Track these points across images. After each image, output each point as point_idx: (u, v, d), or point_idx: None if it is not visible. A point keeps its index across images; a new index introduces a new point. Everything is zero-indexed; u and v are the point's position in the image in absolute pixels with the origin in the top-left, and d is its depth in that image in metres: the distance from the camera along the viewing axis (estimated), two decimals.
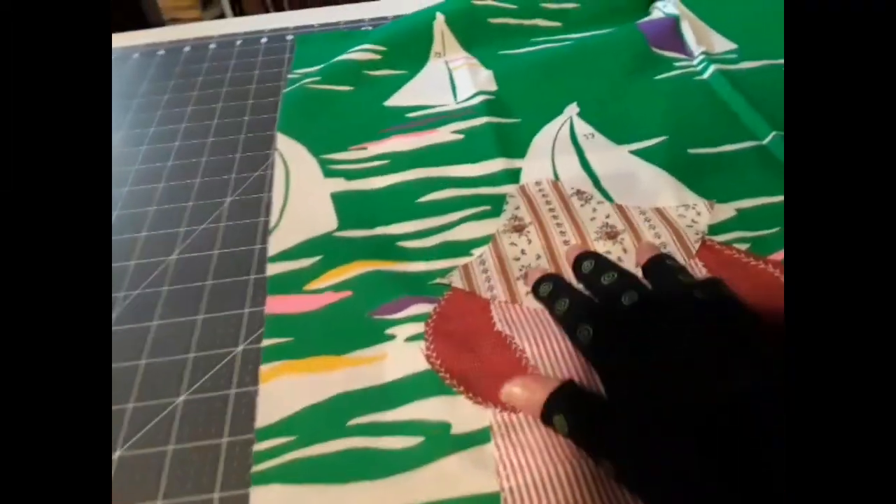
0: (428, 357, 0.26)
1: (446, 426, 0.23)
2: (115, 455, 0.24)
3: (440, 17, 0.47)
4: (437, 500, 0.21)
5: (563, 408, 0.22)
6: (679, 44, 0.44)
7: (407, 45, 0.46)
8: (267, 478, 0.22)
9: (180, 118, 0.42)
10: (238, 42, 0.51)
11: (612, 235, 0.31)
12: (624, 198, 0.33)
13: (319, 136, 0.39)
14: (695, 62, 0.43)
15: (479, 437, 0.23)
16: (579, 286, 0.28)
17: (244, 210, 0.34)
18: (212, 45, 0.51)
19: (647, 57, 0.43)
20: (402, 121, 0.40)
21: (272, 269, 0.30)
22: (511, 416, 0.23)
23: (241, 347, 0.27)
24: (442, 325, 0.27)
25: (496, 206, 0.33)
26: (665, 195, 0.33)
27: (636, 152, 0.36)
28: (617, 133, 0.37)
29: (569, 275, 0.29)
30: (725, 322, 0.22)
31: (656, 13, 0.48)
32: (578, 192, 0.33)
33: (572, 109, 0.40)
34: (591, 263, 0.27)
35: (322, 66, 0.45)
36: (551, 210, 0.32)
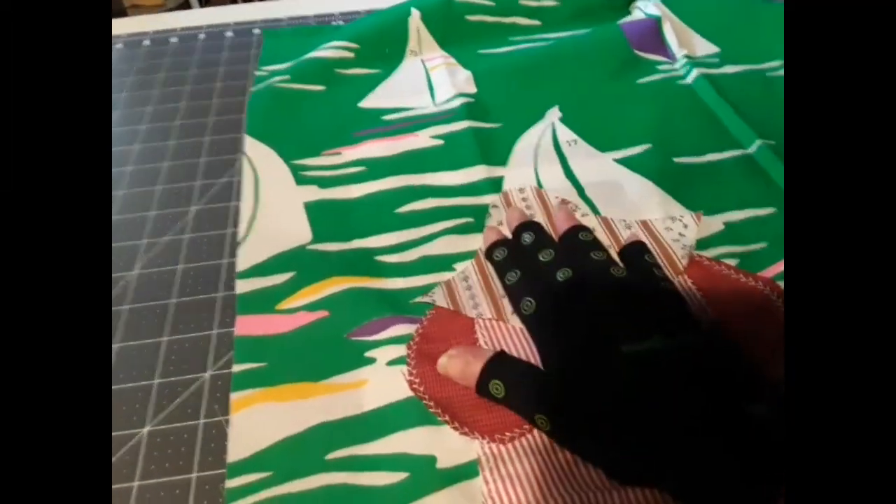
0: (411, 383, 0.24)
1: (432, 459, 0.22)
2: None
3: (416, 13, 0.45)
4: None
5: (498, 373, 0.23)
6: (661, 46, 0.43)
7: (381, 43, 0.45)
8: None
9: (139, 119, 0.40)
10: (201, 36, 0.48)
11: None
12: (609, 209, 0.32)
13: (290, 139, 0.37)
14: (677, 66, 0.42)
15: (466, 472, 0.22)
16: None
17: (210, 220, 0.32)
18: (173, 39, 0.48)
19: (629, 59, 0.42)
20: (377, 123, 0.39)
21: (241, 287, 0.29)
22: (500, 448, 0.22)
23: (209, 373, 0.25)
24: (425, 348, 0.26)
25: (478, 217, 0.32)
26: (651, 206, 0.32)
27: (621, 160, 0.35)
28: (600, 140, 0.36)
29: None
30: (637, 294, 0.26)
31: (636, 13, 0.47)
32: (563, 202, 0.32)
33: (554, 114, 0.39)
34: (530, 236, 0.29)
35: (292, 63, 0.43)
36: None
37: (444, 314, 0.27)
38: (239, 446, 0.23)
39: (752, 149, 0.35)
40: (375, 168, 0.35)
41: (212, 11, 0.52)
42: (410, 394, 0.24)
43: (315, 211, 0.33)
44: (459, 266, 0.29)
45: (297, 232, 0.31)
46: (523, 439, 0.23)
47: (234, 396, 0.24)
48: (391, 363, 0.25)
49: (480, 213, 0.32)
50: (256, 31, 0.49)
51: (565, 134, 0.37)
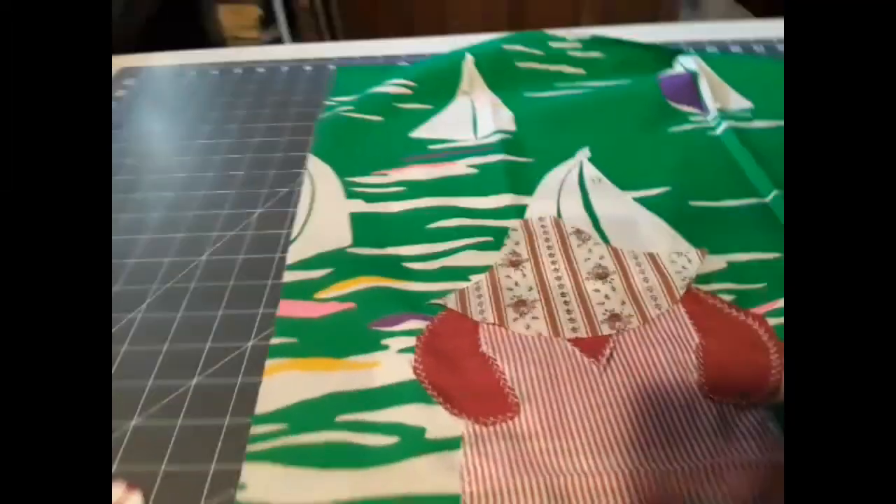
0: (415, 369, 0.28)
1: (422, 430, 0.26)
2: (132, 423, 0.27)
3: (470, 58, 0.51)
4: (405, 494, 0.23)
5: None
6: (696, 99, 0.46)
7: (436, 82, 0.50)
8: (258, 457, 0.25)
9: (224, 134, 0.47)
10: (284, 69, 0.56)
11: (601, 276, 0.33)
12: (620, 241, 0.35)
13: (347, 160, 0.43)
14: (709, 118, 0.45)
15: (450, 444, 0.25)
16: None
17: (271, 222, 0.38)
18: (260, 69, 0.56)
19: (663, 109, 0.45)
20: (423, 151, 0.44)
21: (288, 277, 0.34)
22: (482, 429, 0.26)
23: (251, 343, 0.30)
24: (432, 342, 0.29)
25: (498, 238, 0.36)
26: (660, 242, 0.34)
27: (639, 199, 0.38)
28: (623, 179, 0.40)
29: (555, 307, 0.31)
30: None
31: (678, 68, 0.50)
32: (577, 232, 0.36)
33: (584, 154, 0.42)
34: None
35: (357, 96, 0.49)
36: (549, 248, 0.35)
37: (454, 316, 0.31)
38: (265, 402, 0.27)
39: (768, 198, 0.37)
40: (415, 189, 0.40)
41: (295, 48, 0.60)
42: (413, 377, 0.28)
43: (358, 221, 0.37)
44: (474, 277, 0.33)
45: (340, 236, 0.36)
46: (503, 425, 0.26)
47: (269, 363, 0.29)
48: (401, 351, 0.29)
49: (501, 234, 0.36)
50: (331, 66, 0.56)
51: (591, 172, 0.41)
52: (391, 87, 0.49)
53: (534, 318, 0.31)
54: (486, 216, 0.37)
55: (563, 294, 0.32)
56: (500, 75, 0.51)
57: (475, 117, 0.47)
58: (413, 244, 0.36)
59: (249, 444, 0.26)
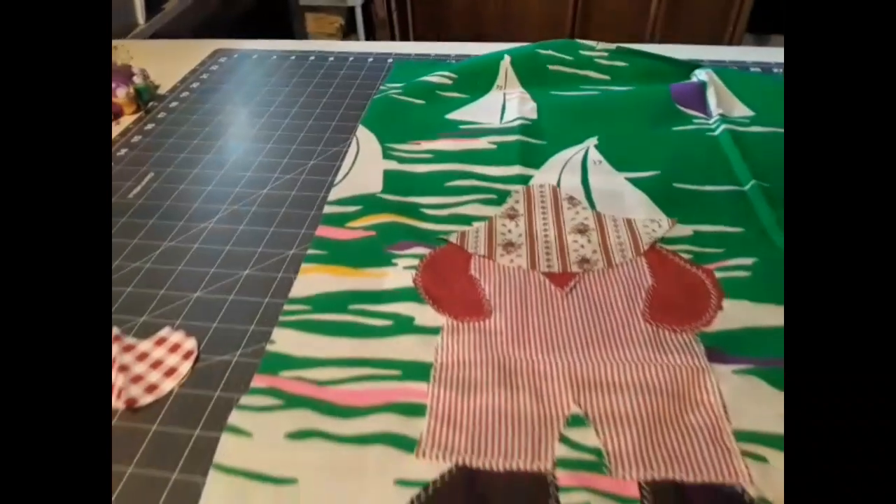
0: (414, 280, 0.35)
1: (412, 318, 0.33)
2: (195, 295, 0.35)
3: (507, 58, 0.58)
4: (391, 359, 0.31)
5: None
6: (702, 104, 0.52)
7: (476, 76, 0.58)
8: (286, 325, 0.33)
9: (293, 105, 0.56)
10: (350, 59, 0.65)
11: (581, 231, 0.39)
12: (605, 208, 0.41)
13: (389, 131, 0.51)
14: (711, 121, 0.50)
15: (432, 331, 0.32)
16: None
17: (320, 170, 0.46)
18: (331, 59, 0.65)
19: (670, 110, 0.51)
20: (454, 129, 0.51)
21: (327, 209, 0.42)
22: (459, 324, 0.32)
23: (292, 251, 0.38)
24: (431, 263, 0.37)
25: (502, 197, 0.42)
26: (639, 211, 0.40)
27: (631, 179, 0.44)
28: (621, 163, 0.46)
29: (537, 250, 0.37)
30: None
31: (693, 79, 0.55)
32: (570, 198, 0.42)
33: (592, 141, 0.48)
34: None
35: (407, 83, 0.58)
36: (543, 208, 0.41)
37: (453, 248, 0.38)
38: (297, 290, 0.35)
39: (747, 187, 0.42)
40: (441, 157, 0.47)
41: (361, 44, 0.70)
42: (412, 285, 0.35)
43: (389, 175, 0.45)
44: (476, 224, 0.40)
45: (373, 185, 0.44)
46: (476, 323, 0.32)
47: (303, 266, 0.37)
48: (406, 268, 0.36)
49: (505, 195, 0.43)
50: (390, 60, 0.65)
51: (595, 155, 0.47)
52: (436, 77, 0.57)
53: (518, 255, 0.37)
54: (496, 181, 0.44)
55: (546, 242, 0.38)
56: (532, 75, 0.58)
57: (504, 107, 0.54)
58: (431, 196, 0.43)
59: (281, 317, 0.33)
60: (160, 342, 0.32)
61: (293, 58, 0.66)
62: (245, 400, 0.29)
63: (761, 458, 0.25)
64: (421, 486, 0.25)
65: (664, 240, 0.38)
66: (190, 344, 0.32)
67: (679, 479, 0.25)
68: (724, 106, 0.51)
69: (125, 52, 0.66)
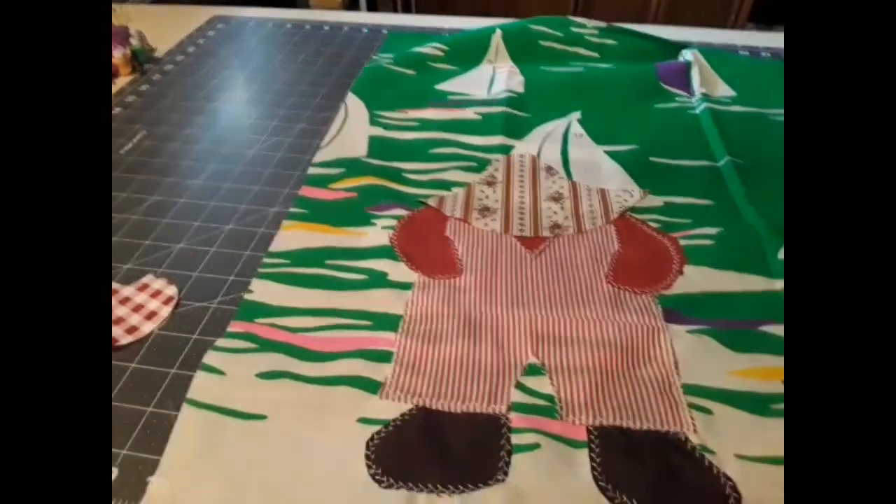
0: (391, 238, 0.37)
1: (385, 274, 0.34)
2: (178, 246, 0.37)
3: (499, 32, 0.59)
4: (364, 310, 0.32)
5: None
6: (685, 84, 0.52)
7: (467, 50, 0.58)
8: (265, 277, 0.34)
9: (286, 71, 0.57)
10: (345, 28, 0.66)
11: (556, 199, 0.40)
12: (581, 179, 0.42)
13: (378, 98, 0.52)
14: (693, 100, 0.51)
15: (404, 286, 0.33)
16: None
17: (308, 133, 0.47)
18: (326, 28, 0.66)
19: (654, 88, 0.52)
20: (442, 99, 0.52)
21: (311, 171, 0.43)
22: (430, 280, 0.34)
23: (275, 209, 0.40)
24: (409, 225, 0.38)
25: (482, 165, 0.43)
26: (614, 182, 0.41)
27: (609, 152, 0.45)
28: (601, 137, 0.46)
29: (511, 215, 0.38)
30: None
31: (679, 59, 0.56)
32: (548, 168, 0.43)
33: (575, 115, 0.49)
34: None
35: (398, 53, 0.58)
36: (521, 176, 0.42)
37: (431, 211, 0.39)
38: (277, 245, 0.36)
39: (721, 162, 0.43)
40: (426, 125, 0.48)
41: (359, 14, 0.70)
42: (388, 244, 0.36)
43: (375, 141, 0.46)
44: (455, 189, 0.41)
45: (358, 149, 0.45)
46: (448, 280, 0.34)
47: (285, 223, 0.38)
48: (384, 228, 0.37)
49: (486, 163, 0.44)
50: (385, 31, 0.65)
51: (576, 129, 0.48)
52: (428, 48, 0.58)
53: (492, 220, 0.38)
54: (478, 150, 0.45)
55: (521, 208, 0.39)
56: (523, 50, 0.58)
57: (493, 79, 0.55)
58: (414, 161, 0.44)
59: (260, 269, 0.35)
60: (143, 288, 0.34)
61: (289, 26, 0.66)
62: (221, 342, 0.30)
63: (706, 410, 0.27)
64: (382, 424, 0.26)
65: (635, 209, 0.39)
66: (171, 290, 0.34)
67: (626, 426, 0.26)
68: (706, 85, 0.52)
69: (125, 15, 0.66)
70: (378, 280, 0.34)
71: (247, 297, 0.33)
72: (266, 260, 0.35)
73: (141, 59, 0.58)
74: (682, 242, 0.36)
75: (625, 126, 0.48)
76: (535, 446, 0.25)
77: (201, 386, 0.28)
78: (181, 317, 0.32)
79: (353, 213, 0.39)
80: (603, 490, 0.24)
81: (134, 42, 0.58)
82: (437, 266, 0.35)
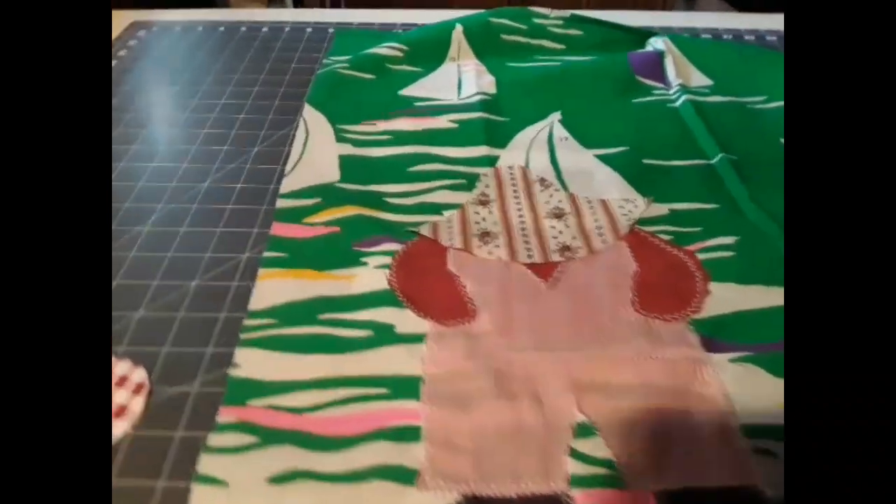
0: (389, 281, 0.32)
1: (392, 326, 0.30)
2: (137, 315, 0.31)
3: (459, 27, 0.55)
4: (376, 375, 0.28)
5: None
6: (660, 74, 0.51)
7: (427, 48, 0.54)
8: (250, 343, 0.29)
9: (228, 82, 0.50)
10: (287, 29, 0.59)
11: (558, 215, 0.37)
12: (578, 189, 0.39)
13: (339, 109, 0.46)
14: (671, 92, 0.49)
15: (415, 338, 0.29)
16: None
17: (267, 158, 0.42)
18: (264, 29, 0.59)
19: (630, 82, 0.50)
20: (410, 106, 0.47)
21: (281, 204, 0.37)
22: (444, 328, 0.30)
23: (246, 255, 0.34)
24: (405, 260, 0.34)
25: (471, 181, 0.40)
26: (612, 191, 0.39)
27: (600, 156, 0.42)
28: (587, 139, 0.44)
29: (515, 239, 0.35)
30: None
31: (648, 48, 0.54)
32: (541, 180, 0.40)
33: (555, 116, 0.46)
34: None
35: (352, 55, 0.53)
36: (515, 191, 0.39)
37: (426, 242, 0.35)
38: (257, 301, 0.31)
39: (714, 160, 0.41)
40: (400, 138, 0.44)
41: (297, 11, 0.64)
42: (387, 287, 0.32)
43: (346, 162, 0.41)
44: (447, 212, 0.37)
45: (330, 173, 0.40)
46: (463, 326, 0.30)
47: (261, 271, 0.33)
48: (378, 267, 0.33)
49: (473, 178, 0.40)
50: (331, 30, 0.59)
51: (560, 132, 0.45)
52: (384, 49, 0.53)
53: (496, 246, 0.35)
54: (462, 163, 0.41)
55: (522, 229, 0.36)
56: (486, 45, 0.55)
57: (460, 80, 0.51)
58: (395, 183, 0.40)
59: (242, 334, 0.30)
60: None
61: (222, 29, 0.59)
62: (214, 440, 0.25)
63: (771, 454, 0.25)
64: None
65: (642, 221, 0.37)
66: (139, 375, 0.28)
67: (695, 486, 0.24)
68: (682, 75, 0.50)
69: None
70: (385, 334, 0.30)
71: (233, 373, 0.28)
72: (247, 322, 0.30)
73: None
74: (700, 256, 0.34)
75: (608, 125, 0.45)
76: None
77: None
78: (157, 409, 0.27)
79: (338, 251, 0.34)
80: None
81: None
82: (448, 309, 0.31)
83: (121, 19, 0.60)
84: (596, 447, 0.25)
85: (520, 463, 0.24)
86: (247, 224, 0.36)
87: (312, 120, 0.45)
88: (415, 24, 0.60)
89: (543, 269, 0.33)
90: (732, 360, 0.28)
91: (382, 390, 0.27)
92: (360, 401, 0.27)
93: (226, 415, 0.26)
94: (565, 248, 0.35)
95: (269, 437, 0.25)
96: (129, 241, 0.35)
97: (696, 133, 0.44)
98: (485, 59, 0.54)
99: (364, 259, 0.34)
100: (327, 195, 0.38)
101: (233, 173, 0.40)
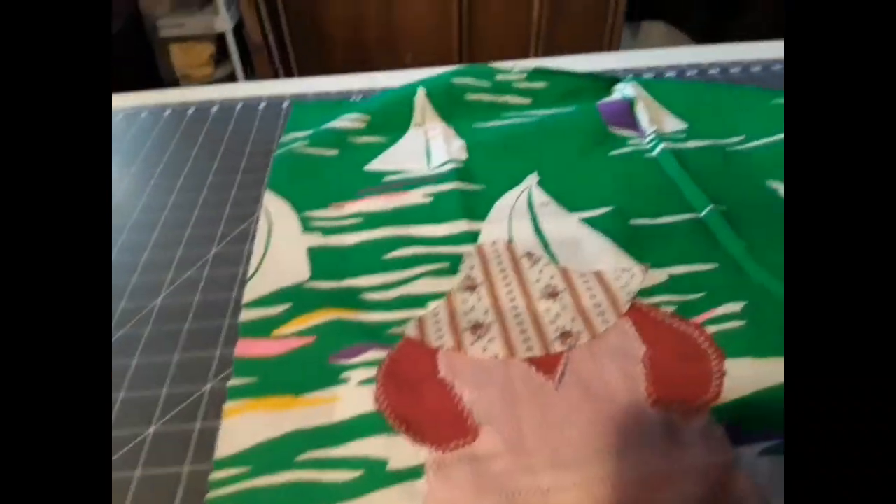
0: (376, 399, 0.29)
1: (384, 462, 0.26)
2: None
3: (422, 91, 0.52)
4: None
5: None
6: (633, 122, 0.49)
7: (390, 116, 0.51)
8: (221, 503, 0.25)
9: (179, 173, 0.47)
10: (238, 106, 0.56)
11: (552, 295, 0.34)
12: (569, 260, 0.36)
13: (303, 193, 0.43)
14: (646, 140, 0.47)
15: (412, 473, 0.25)
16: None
17: (227, 260, 0.38)
18: (214, 108, 0.56)
19: (603, 134, 0.48)
20: (378, 183, 0.44)
21: (245, 315, 0.34)
22: (444, 455, 0.26)
23: (209, 386, 0.30)
24: (392, 370, 0.30)
25: (454, 263, 0.37)
26: (605, 259, 0.36)
27: (585, 220, 0.40)
28: (569, 202, 0.41)
29: (510, 329, 0.32)
30: None
31: (616, 94, 0.53)
32: (528, 255, 0.37)
33: (532, 179, 0.44)
34: None
35: (312, 131, 0.50)
36: (502, 271, 0.36)
37: (413, 344, 0.31)
38: (226, 446, 0.27)
39: (703, 213, 0.39)
40: (371, 220, 0.41)
41: (248, 85, 0.61)
42: (374, 409, 0.28)
43: (316, 254, 0.38)
44: (432, 304, 0.34)
45: (298, 271, 0.36)
46: (465, 449, 0.26)
47: (227, 405, 0.29)
48: (362, 383, 0.29)
49: (456, 260, 0.37)
50: (285, 103, 0.56)
51: (540, 196, 0.42)
52: (345, 121, 0.50)
53: (490, 340, 0.31)
54: (442, 243, 0.38)
55: (516, 315, 0.33)
56: (451, 107, 0.52)
57: (428, 148, 0.48)
58: (371, 274, 0.36)
59: (210, 491, 0.25)
60: None
61: (168, 112, 0.56)
62: None
63: None
64: None
65: (641, 292, 0.34)
66: None
67: None
68: (656, 121, 0.48)
69: None
70: (377, 473, 0.26)
71: None
72: (215, 475, 0.26)
73: None
74: (710, 329, 0.31)
75: (588, 183, 0.43)
76: None
77: None
78: None
79: (314, 368, 0.30)
80: None
81: None
82: (446, 428, 0.27)
83: None
84: None
85: None
86: (208, 345, 0.32)
87: (275, 208, 0.42)
88: (374, 90, 0.58)
89: (546, 363, 0.30)
90: (761, 454, 0.25)
91: None
92: None
93: None
94: (566, 335, 0.32)
95: None
96: None
97: (681, 184, 0.42)
98: (452, 122, 0.51)
99: (345, 374, 0.30)
100: (297, 299, 0.34)
101: (189, 284, 0.36)
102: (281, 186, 0.44)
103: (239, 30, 1.46)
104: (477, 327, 0.32)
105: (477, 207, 0.41)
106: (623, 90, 0.52)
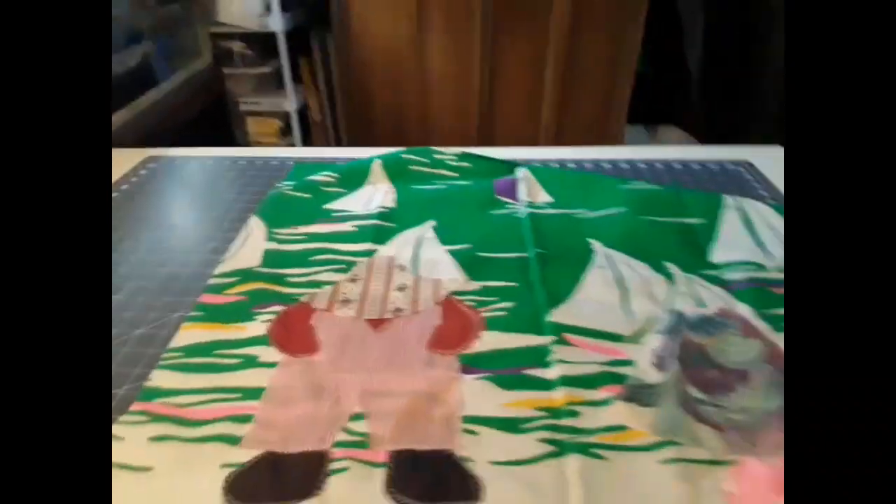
0: (268, 330, 0.48)
1: (257, 357, 0.45)
2: None
3: (378, 161, 0.74)
4: (237, 386, 0.42)
5: None
6: (514, 194, 0.68)
7: (353, 176, 0.73)
8: (163, 367, 0.44)
9: (211, 207, 0.70)
10: (258, 162, 0.80)
11: (401, 289, 0.52)
12: (426, 273, 0.55)
13: (276, 219, 0.64)
14: (519, 206, 0.66)
15: (270, 365, 0.44)
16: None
17: (219, 251, 0.59)
18: (241, 162, 0.80)
19: (491, 200, 0.67)
20: (328, 217, 0.65)
21: (211, 281, 0.54)
22: (291, 358, 0.44)
23: (177, 315, 0.50)
24: (283, 317, 0.49)
25: (349, 266, 0.56)
26: (446, 273, 0.54)
27: (450, 251, 0.58)
28: (446, 239, 0.60)
29: (366, 304, 0.50)
30: None
31: (512, 175, 0.72)
32: (400, 266, 0.56)
33: (430, 224, 0.63)
34: None
35: (296, 182, 0.72)
36: (379, 274, 0.55)
37: (303, 305, 0.51)
38: (176, 341, 0.47)
39: (528, 254, 0.57)
40: (311, 238, 0.61)
41: (268, 150, 0.85)
42: (264, 332, 0.47)
43: (268, 253, 0.58)
44: (325, 287, 0.53)
45: (253, 261, 0.57)
46: (304, 357, 0.44)
47: (184, 324, 0.49)
48: (263, 322, 0.49)
49: (352, 265, 0.56)
50: (291, 162, 0.80)
51: (428, 234, 0.61)
52: (322, 176, 0.73)
53: (349, 308, 0.50)
54: (349, 255, 0.58)
55: (373, 298, 0.51)
56: (397, 173, 0.73)
57: (371, 198, 0.69)
58: (297, 268, 0.56)
59: (160, 361, 0.45)
60: None
61: (210, 163, 0.80)
62: (123, 418, 0.39)
63: (474, 433, 0.38)
64: (237, 466, 0.36)
65: (459, 293, 0.52)
66: None
67: (416, 448, 0.37)
68: (531, 195, 0.67)
69: None
70: (251, 362, 0.44)
71: (147, 384, 0.43)
72: (165, 355, 0.46)
73: None
74: (486, 315, 0.48)
75: (466, 230, 0.62)
76: (345, 469, 0.35)
77: None
78: None
79: (241, 312, 0.50)
80: (391, 494, 0.34)
81: None
82: (299, 346, 0.46)
83: (137, 155, 0.82)
84: (360, 426, 0.38)
85: (307, 435, 0.38)
86: (187, 294, 0.53)
87: (254, 226, 0.63)
88: (351, 158, 0.80)
89: (377, 323, 0.48)
90: (476, 378, 0.42)
91: (237, 395, 0.41)
92: (221, 402, 0.41)
93: (135, 407, 0.41)
94: (398, 311, 0.50)
95: (157, 418, 0.39)
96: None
97: (525, 235, 0.60)
98: (395, 183, 0.72)
99: (256, 317, 0.49)
100: (244, 276, 0.55)
101: (197, 260, 0.58)
102: (264, 213, 0.66)
103: (303, 110, 1.79)
104: (346, 302, 0.51)
105: (384, 237, 0.61)
106: (518, 172, 0.72)
